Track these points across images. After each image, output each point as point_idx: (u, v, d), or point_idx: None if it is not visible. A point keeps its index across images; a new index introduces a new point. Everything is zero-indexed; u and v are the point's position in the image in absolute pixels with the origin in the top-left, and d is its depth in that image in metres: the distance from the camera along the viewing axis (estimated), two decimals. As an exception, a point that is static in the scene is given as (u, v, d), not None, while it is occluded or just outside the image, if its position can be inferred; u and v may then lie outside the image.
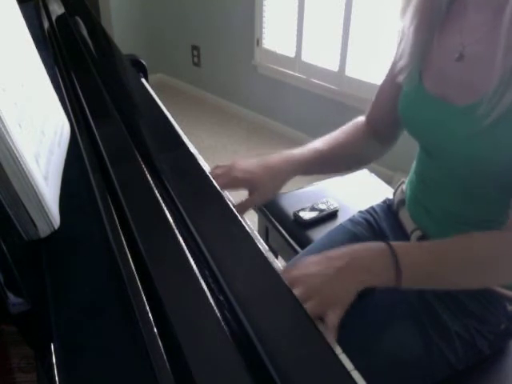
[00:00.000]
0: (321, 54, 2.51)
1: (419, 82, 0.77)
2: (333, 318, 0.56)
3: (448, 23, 0.74)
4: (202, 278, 0.46)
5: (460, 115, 0.70)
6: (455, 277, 0.67)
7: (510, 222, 0.67)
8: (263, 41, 2.77)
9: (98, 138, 0.66)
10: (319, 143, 0.87)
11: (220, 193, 0.60)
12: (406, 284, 0.62)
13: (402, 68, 0.79)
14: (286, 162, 0.82)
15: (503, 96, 0.62)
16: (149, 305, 0.42)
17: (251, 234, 0.55)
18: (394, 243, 0.64)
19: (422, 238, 0.83)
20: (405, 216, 0.90)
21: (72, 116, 0.72)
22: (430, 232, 0.82)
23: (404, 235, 0.88)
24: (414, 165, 0.89)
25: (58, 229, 0.51)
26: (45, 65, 0.67)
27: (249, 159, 0.82)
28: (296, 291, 0.56)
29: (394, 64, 0.84)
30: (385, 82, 0.91)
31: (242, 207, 0.78)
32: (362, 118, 0.95)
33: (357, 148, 0.92)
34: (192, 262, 0.47)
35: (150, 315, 0.41)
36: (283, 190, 0.84)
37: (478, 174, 0.71)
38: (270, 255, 0.63)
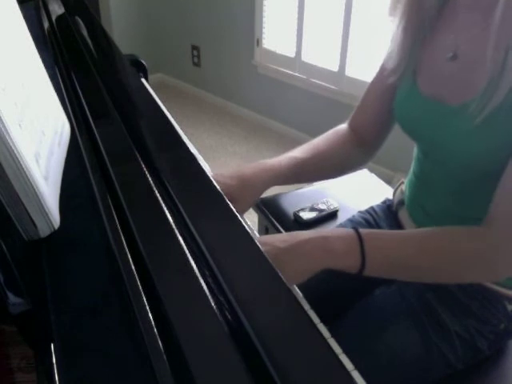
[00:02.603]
0: (321, 54, 2.51)
1: (413, 82, 0.77)
2: None
3: (440, 23, 0.74)
4: (202, 277, 0.46)
5: (454, 115, 0.70)
6: (414, 265, 0.67)
7: (488, 218, 0.67)
8: (263, 41, 2.77)
9: (98, 138, 0.66)
10: (298, 152, 0.86)
11: (220, 193, 0.60)
12: (370, 269, 0.64)
13: (393, 69, 0.78)
14: (263, 171, 0.80)
15: (493, 94, 0.62)
16: (149, 305, 0.42)
17: (251, 234, 0.55)
18: (360, 229, 0.66)
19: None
20: (404, 216, 0.90)
21: (72, 116, 0.72)
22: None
23: (404, 235, 0.88)
24: (412, 165, 0.89)
25: (58, 229, 0.51)
26: (45, 65, 0.67)
27: (223, 172, 0.80)
28: None
29: (381, 71, 0.84)
30: (371, 88, 0.89)
31: None
32: (343, 126, 0.93)
33: (338, 157, 0.90)
34: (192, 262, 0.47)
35: (150, 315, 0.41)
36: (283, 190, 0.84)
37: (474, 173, 0.72)
38: (269, 255, 0.63)
